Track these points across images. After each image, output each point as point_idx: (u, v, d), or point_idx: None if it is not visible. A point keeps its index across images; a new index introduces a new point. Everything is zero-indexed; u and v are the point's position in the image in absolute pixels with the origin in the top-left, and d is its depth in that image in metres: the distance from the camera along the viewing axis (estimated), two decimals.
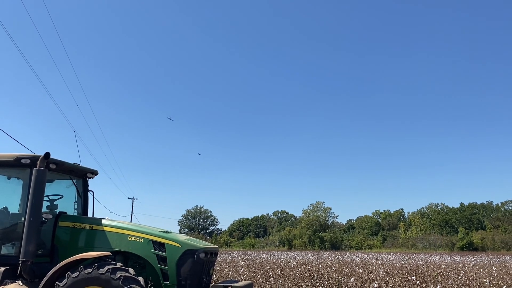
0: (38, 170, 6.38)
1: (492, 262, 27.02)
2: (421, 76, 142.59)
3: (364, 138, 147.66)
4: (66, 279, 5.87)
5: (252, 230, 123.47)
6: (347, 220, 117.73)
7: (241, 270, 14.72)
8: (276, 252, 53.51)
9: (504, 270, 16.09)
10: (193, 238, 7.23)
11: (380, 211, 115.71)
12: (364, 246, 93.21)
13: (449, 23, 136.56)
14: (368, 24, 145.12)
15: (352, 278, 11.05)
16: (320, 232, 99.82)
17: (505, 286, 9.34)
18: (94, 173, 8.35)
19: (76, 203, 8.11)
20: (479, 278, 11.95)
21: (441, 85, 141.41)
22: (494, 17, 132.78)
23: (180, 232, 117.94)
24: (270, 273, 13.40)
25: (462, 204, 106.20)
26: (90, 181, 8.42)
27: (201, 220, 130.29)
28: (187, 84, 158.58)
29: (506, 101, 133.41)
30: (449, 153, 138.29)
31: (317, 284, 10.64)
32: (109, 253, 6.44)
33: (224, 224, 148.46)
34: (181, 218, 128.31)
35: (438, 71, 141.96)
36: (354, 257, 35.59)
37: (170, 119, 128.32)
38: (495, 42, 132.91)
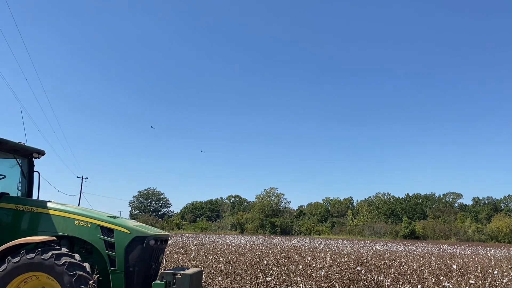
0: None
1: (432, 251, 28.59)
2: (376, 66, 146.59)
3: (319, 127, 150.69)
4: (5, 264, 5.61)
5: (205, 214, 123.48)
6: (298, 206, 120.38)
7: (192, 255, 14.70)
8: (227, 236, 53.88)
9: (441, 260, 17.06)
10: (143, 224, 7.09)
11: (330, 198, 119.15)
12: (313, 232, 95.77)
13: None
14: None
15: (300, 266, 11.30)
16: (271, 217, 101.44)
17: (442, 276, 9.90)
18: (41, 153, 7.96)
19: (20, 184, 7.71)
20: (419, 268, 12.59)
21: (390, 79, 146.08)
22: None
23: (131, 214, 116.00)
24: (221, 259, 13.47)
25: (407, 194, 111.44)
26: (36, 161, 8.04)
27: (153, 202, 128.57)
28: (143, 60, 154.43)
29: (448, 100, 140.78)
30: (397, 148, 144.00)
31: (266, 270, 10.80)
32: (54, 238, 6.19)
33: (176, 207, 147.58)
34: (132, 199, 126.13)
35: (399, 63, 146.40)
36: (303, 242, 36.49)
37: (152, 127, 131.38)
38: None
